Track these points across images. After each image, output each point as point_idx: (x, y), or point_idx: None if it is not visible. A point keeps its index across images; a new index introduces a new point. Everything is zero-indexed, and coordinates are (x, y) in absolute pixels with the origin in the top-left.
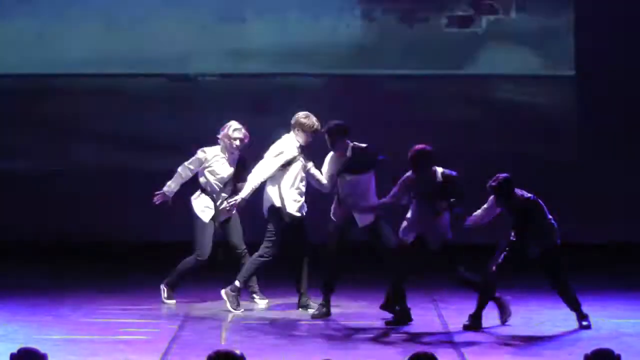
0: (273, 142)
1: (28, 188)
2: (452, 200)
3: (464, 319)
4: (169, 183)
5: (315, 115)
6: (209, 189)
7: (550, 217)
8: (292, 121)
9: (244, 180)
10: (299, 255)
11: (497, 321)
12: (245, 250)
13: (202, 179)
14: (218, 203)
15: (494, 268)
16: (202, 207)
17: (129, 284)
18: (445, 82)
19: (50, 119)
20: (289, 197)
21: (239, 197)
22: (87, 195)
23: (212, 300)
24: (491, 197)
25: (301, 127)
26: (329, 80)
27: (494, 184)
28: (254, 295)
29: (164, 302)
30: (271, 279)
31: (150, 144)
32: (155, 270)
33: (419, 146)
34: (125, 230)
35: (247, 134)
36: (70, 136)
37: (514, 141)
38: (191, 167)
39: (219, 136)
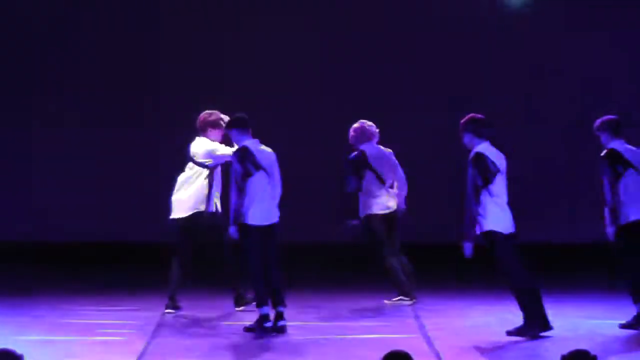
0: None
1: (3, 188)
2: None
3: (441, 321)
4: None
5: None
6: None
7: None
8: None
9: None
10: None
11: (474, 321)
12: None
13: None
14: None
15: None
16: None
17: (106, 285)
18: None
19: None
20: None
21: None
22: (65, 196)
23: (187, 301)
24: None
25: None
26: None
27: None
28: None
29: None
30: None
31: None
32: (132, 271)
33: None
34: (103, 231)
35: None
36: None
37: None
38: None
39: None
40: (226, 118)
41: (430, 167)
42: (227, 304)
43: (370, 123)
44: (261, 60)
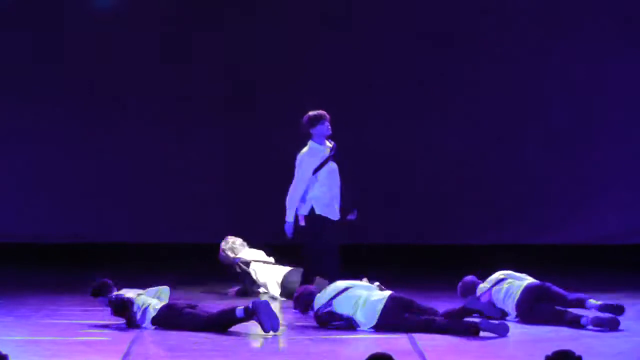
0: None
1: None
2: None
3: None
4: None
5: None
6: None
7: None
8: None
9: None
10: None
11: None
12: None
13: None
14: None
15: None
16: None
17: (90, 285)
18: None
19: None
20: None
21: None
22: (53, 195)
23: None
24: None
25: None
26: None
27: None
28: None
29: None
30: None
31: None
32: (116, 270)
33: None
34: (87, 230)
35: None
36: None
37: None
38: None
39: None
40: (318, 112)
41: (425, 168)
42: (212, 304)
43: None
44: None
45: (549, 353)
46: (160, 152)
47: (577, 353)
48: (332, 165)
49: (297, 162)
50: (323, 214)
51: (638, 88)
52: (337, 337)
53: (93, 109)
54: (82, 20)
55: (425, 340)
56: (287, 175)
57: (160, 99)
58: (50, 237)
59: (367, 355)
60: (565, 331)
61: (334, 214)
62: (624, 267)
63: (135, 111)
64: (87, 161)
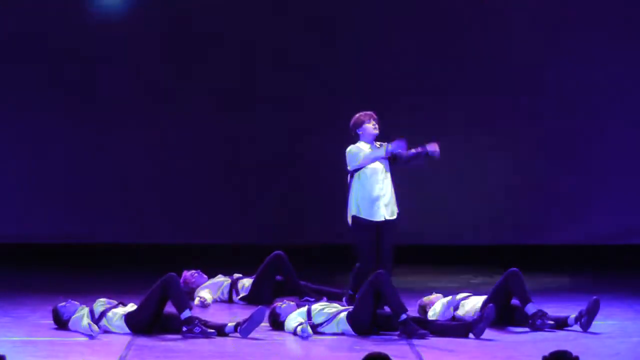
0: None
1: None
2: None
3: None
4: None
5: None
6: None
7: None
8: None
9: None
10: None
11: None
12: None
13: None
14: None
15: None
16: None
17: (86, 286)
18: None
19: None
20: None
21: None
22: (53, 195)
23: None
24: None
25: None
26: None
27: None
28: None
29: None
30: None
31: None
32: (111, 271)
33: None
34: (86, 230)
35: None
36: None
37: None
38: None
39: None
40: (365, 113)
41: (425, 167)
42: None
43: None
44: None
45: (546, 354)
46: (160, 152)
47: (575, 354)
48: (377, 166)
49: (347, 153)
50: (358, 215)
51: (638, 89)
52: (336, 337)
53: (92, 109)
54: (81, 21)
55: (422, 342)
56: (288, 175)
57: (160, 99)
58: (49, 237)
59: (364, 355)
60: (562, 331)
61: (374, 215)
62: (623, 267)
63: (135, 111)
64: (87, 161)
